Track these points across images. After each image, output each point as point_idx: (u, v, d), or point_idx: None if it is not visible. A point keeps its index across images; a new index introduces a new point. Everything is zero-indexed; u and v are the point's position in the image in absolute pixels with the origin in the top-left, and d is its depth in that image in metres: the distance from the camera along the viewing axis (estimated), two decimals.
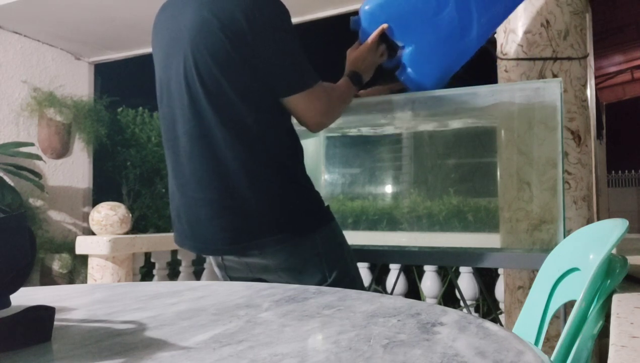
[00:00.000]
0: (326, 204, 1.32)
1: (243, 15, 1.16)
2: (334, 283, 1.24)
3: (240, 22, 1.16)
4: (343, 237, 1.35)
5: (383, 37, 1.51)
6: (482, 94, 1.66)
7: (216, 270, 1.40)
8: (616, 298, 0.93)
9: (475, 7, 1.52)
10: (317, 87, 1.25)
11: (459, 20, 1.52)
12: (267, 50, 1.18)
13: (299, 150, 1.31)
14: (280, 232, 1.22)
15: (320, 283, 1.23)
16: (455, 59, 1.58)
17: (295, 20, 3.50)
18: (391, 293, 2.84)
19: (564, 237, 1.35)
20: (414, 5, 1.50)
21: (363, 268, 3.23)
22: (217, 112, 1.19)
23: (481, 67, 2.08)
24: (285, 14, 1.23)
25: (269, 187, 1.22)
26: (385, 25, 1.49)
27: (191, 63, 1.20)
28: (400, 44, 1.53)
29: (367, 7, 1.51)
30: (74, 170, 4.35)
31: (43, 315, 0.58)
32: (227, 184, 1.21)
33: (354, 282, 1.31)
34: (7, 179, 3.64)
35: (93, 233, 2.71)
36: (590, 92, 2.00)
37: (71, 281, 3.87)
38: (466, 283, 2.87)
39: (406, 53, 1.53)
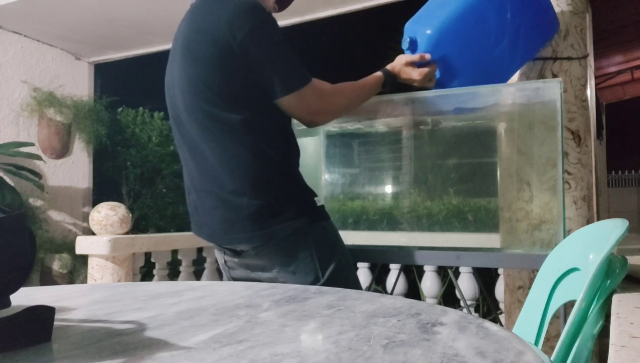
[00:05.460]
0: (320, 204, 1.34)
1: (227, 26, 1.23)
2: (327, 284, 1.26)
3: (224, 33, 1.22)
4: (338, 237, 1.37)
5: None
6: (482, 93, 1.66)
7: (223, 272, 1.46)
8: (616, 298, 0.93)
9: (523, 42, 1.61)
10: (307, 88, 1.29)
11: (509, 55, 1.60)
12: (253, 57, 1.24)
13: (294, 150, 1.35)
14: (268, 226, 1.25)
15: (313, 283, 1.26)
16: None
17: (295, 20, 3.52)
18: (391, 293, 2.84)
19: (564, 237, 1.35)
20: (473, 39, 1.55)
21: (363, 268, 3.23)
22: (210, 116, 1.27)
23: None
24: (269, 22, 1.28)
25: (261, 184, 1.27)
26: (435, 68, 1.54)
27: (184, 73, 1.30)
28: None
29: (428, 31, 1.53)
30: (74, 170, 4.34)
31: (43, 315, 0.58)
32: (223, 178, 1.28)
33: (348, 283, 1.32)
34: (7, 178, 3.64)
35: (93, 233, 2.71)
36: (590, 92, 2.00)
37: (71, 281, 3.87)
38: (466, 283, 2.87)
39: (453, 77, 1.57)
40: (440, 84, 1.59)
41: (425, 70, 1.51)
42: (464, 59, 1.56)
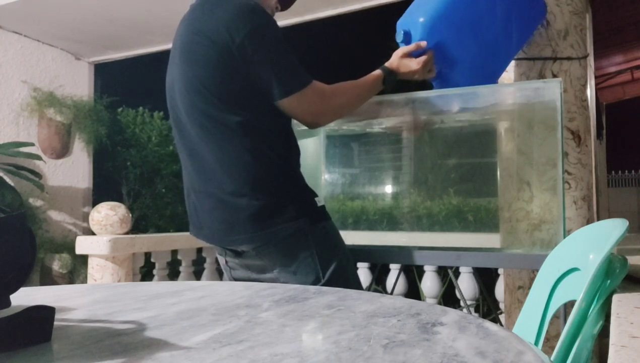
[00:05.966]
0: (320, 204, 1.34)
1: (226, 28, 1.23)
2: (328, 284, 1.26)
3: (223, 35, 1.23)
4: (339, 237, 1.37)
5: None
6: (482, 93, 1.66)
7: (224, 272, 1.46)
8: (616, 298, 0.93)
9: (515, 25, 1.63)
10: (307, 89, 1.29)
11: (504, 39, 1.63)
12: (251, 60, 1.24)
13: (294, 150, 1.35)
14: (269, 227, 1.26)
15: (314, 284, 1.26)
16: (492, 73, 1.67)
17: (295, 20, 3.52)
18: (391, 293, 2.84)
19: (564, 237, 1.35)
20: (466, 23, 1.56)
21: (363, 268, 3.23)
22: (209, 118, 1.27)
23: None
24: (268, 24, 1.28)
25: (261, 185, 1.27)
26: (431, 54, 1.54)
27: (183, 74, 1.30)
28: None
29: (421, 19, 1.53)
30: (74, 170, 4.34)
31: (43, 315, 0.58)
32: (223, 179, 1.28)
33: (349, 283, 1.32)
34: (7, 178, 3.64)
35: (93, 233, 2.71)
36: (590, 92, 2.00)
37: (71, 281, 3.87)
38: (466, 283, 2.87)
39: (452, 66, 1.57)
40: (440, 75, 1.58)
41: (423, 58, 1.50)
42: (460, 45, 1.56)
